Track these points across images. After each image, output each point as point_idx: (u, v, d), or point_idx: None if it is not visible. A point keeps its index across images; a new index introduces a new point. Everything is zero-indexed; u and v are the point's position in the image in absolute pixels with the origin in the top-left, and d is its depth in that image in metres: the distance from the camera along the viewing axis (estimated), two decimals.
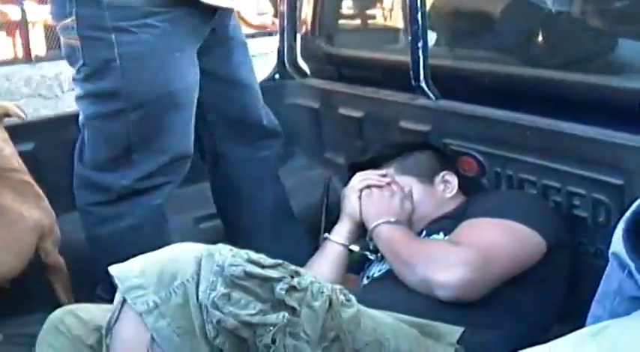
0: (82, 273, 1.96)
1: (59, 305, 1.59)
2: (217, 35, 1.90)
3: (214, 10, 1.82)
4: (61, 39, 1.79)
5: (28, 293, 1.97)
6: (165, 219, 1.89)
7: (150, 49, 1.72)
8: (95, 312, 1.43)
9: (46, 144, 2.15)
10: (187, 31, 1.78)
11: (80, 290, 1.95)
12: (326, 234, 1.83)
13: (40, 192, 1.96)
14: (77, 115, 1.86)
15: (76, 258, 2.00)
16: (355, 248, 1.78)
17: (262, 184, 2.11)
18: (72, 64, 1.78)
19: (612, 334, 0.58)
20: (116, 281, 1.12)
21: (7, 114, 2.00)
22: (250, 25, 2.11)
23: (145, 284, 1.10)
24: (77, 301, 1.82)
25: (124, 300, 1.11)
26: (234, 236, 2.01)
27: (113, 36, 1.69)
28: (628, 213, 0.69)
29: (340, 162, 2.43)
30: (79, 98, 1.81)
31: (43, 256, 1.93)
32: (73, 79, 1.82)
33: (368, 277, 1.73)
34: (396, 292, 1.53)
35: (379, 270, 1.70)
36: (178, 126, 1.81)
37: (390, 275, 1.62)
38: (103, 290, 1.85)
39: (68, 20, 1.71)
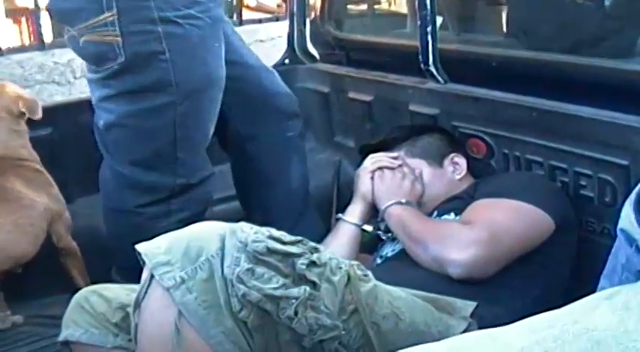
0: (97, 257, 1.99)
1: (79, 288, 1.61)
2: None
3: None
4: (85, 38, 1.65)
5: (48, 277, 2.00)
6: (210, 210, 1.87)
7: (196, 39, 1.69)
8: (119, 292, 1.48)
9: (63, 129, 2.18)
10: (219, 21, 1.80)
11: (96, 273, 1.97)
12: (339, 215, 1.85)
13: (51, 179, 2.01)
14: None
15: (90, 241, 2.04)
16: (368, 228, 1.81)
17: (288, 165, 2.08)
18: (100, 63, 1.68)
19: (625, 295, 0.61)
20: (144, 258, 1.15)
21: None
22: (249, 8, 2.13)
23: (171, 260, 1.13)
24: (93, 283, 1.83)
25: (152, 276, 1.14)
26: (253, 217, 1.97)
27: (160, 28, 1.64)
28: None
29: (350, 146, 2.44)
30: (107, 98, 1.71)
31: (56, 240, 1.97)
32: (100, 79, 1.70)
33: (381, 257, 1.75)
34: (409, 270, 1.56)
35: (392, 250, 1.73)
36: (214, 113, 1.80)
37: (403, 254, 1.65)
38: (117, 273, 1.88)
39: (105, 16, 1.61)
